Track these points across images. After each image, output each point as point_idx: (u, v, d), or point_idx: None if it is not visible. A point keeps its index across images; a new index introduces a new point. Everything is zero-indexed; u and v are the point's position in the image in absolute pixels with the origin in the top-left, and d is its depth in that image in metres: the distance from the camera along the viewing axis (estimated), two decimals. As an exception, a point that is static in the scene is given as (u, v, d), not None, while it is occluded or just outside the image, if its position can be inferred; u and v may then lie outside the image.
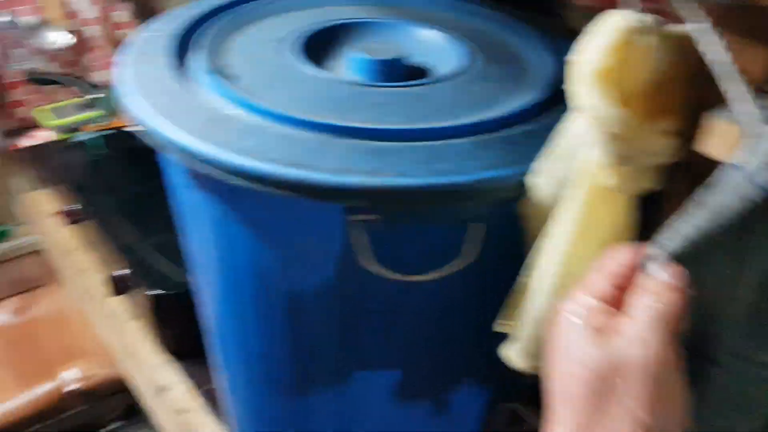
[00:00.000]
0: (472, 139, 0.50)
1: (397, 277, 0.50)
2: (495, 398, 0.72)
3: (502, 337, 0.52)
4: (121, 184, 1.23)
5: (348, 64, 0.60)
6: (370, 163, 0.47)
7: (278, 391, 0.69)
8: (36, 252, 1.70)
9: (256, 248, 0.56)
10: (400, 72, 0.59)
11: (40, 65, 1.51)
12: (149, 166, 1.26)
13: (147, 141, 1.21)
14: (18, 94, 1.53)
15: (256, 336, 0.65)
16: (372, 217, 0.48)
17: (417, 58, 0.62)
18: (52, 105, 1.38)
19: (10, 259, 1.68)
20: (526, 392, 0.74)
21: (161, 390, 1.00)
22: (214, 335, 0.75)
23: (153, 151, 1.31)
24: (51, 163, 1.36)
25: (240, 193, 0.52)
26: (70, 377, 1.56)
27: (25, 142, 1.50)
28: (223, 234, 0.58)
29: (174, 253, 1.04)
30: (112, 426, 1.68)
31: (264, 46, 0.63)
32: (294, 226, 0.52)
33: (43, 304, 1.74)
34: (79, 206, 1.20)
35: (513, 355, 0.49)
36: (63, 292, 1.74)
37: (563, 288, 0.44)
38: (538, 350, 0.47)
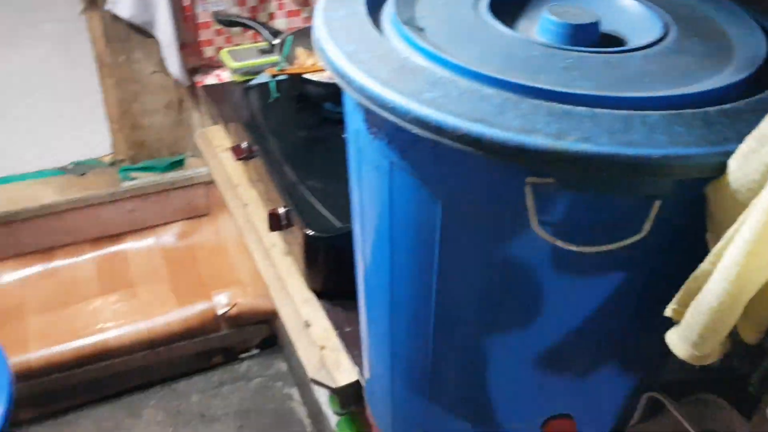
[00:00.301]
0: (664, 113, 0.48)
1: (566, 245, 0.49)
2: (639, 385, 0.70)
3: (663, 322, 0.50)
4: (289, 128, 1.30)
5: (540, 25, 0.59)
6: (554, 126, 0.46)
7: (415, 344, 0.70)
8: (204, 183, 1.84)
9: (423, 201, 0.57)
10: (592, 38, 0.57)
11: (228, 8, 1.61)
12: (316, 115, 1.33)
13: (319, 90, 1.25)
14: (206, 34, 1.64)
15: (404, 287, 0.66)
16: (549, 181, 0.48)
17: (611, 26, 0.60)
18: (235, 47, 1.47)
19: (181, 187, 1.82)
20: (671, 383, 0.72)
21: (304, 325, 1.06)
22: (362, 281, 0.78)
23: (322, 100, 1.37)
24: (228, 102, 1.46)
25: (417, 145, 0.54)
26: (222, 302, 1.69)
27: (208, 80, 1.61)
28: (391, 184, 0.59)
29: (331, 198, 1.09)
30: (250, 353, 1.81)
31: (454, 1, 0.64)
32: (466, 183, 0.53)
33: (205, 232, 1.88)
34: (249, 144, 1.28)
35: (679, 342, 0.47)
36: (224, 223, 1.87)
37: (749, 282, 0.41)
38: (707, 341, 0.45)
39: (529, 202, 0.49)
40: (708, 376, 0.78)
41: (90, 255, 1.79)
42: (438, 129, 0.48)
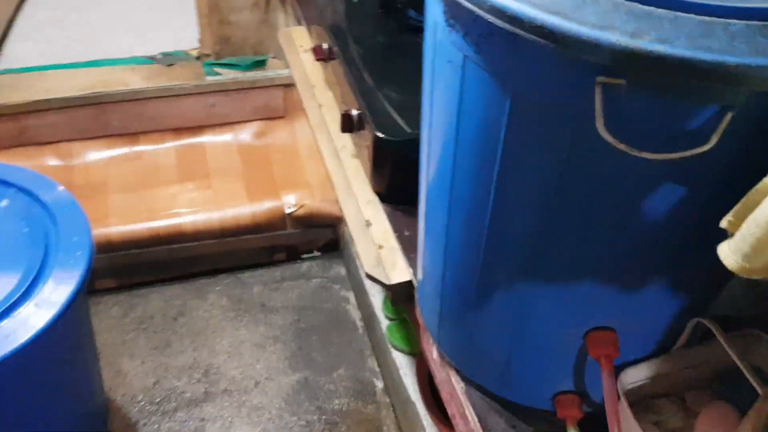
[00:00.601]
0: (749, 22, 0.47)
1: (630, 151, 0.49)
2: (688, 309, 0.70)
3: (720, 240, 0.50)
4: (371, 33, 1.30)
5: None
6: (632, 25, 0.46)
7: (468, 245, 0.72)
8: (283, 85, 1.87)
9: (492, 96, 0.58)
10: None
11: None
12: (399, 22, 1.32)
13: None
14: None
15: (464, 185, 0.68)
16: (620, 82, 0.48)
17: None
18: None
19: (261, 87, 1.86)
20: (719, 317, 0.72)
21: (365, 224, 1.10)
22: (425, 180, 0.79)
23: (405, 7, 1.35)
24: (313, 3, 1.46)
25: (491, 38, 0.54)
26: (290, 202, 1.75)
27: (295, -21, 1.62)
28: (463, 78, 0.60)
29: (404, 105, 1.10)
30: (312, 254, 1.88)
31: None
32: (536, 79, 0.53)
33: (280, 134, 1.93)
34: (329, 46, 1.30)
35: (730, 253, 0.47)
36: (299, 127, 1.92)
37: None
38: (758, 255, 0.45)
39: (598, 102, 0.49)
40: (756, 313, 0.78)
41: (171, 144, 1.87)
42: (514, 19, 0.49)
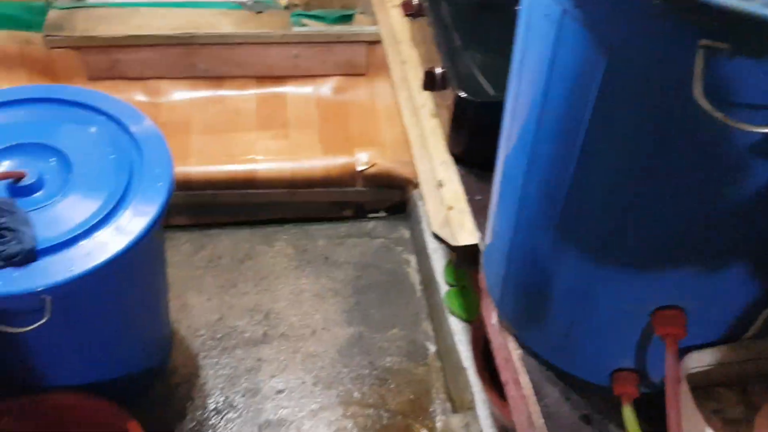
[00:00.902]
0: None
1: (727, 120, 0.47)
2: (763, 299, 0.68)
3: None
4: (462, -8, 1.28)
5: None
6: (745, -14, 0.44)
7: (544, 208, 0.71)
8: (367, 42, 1.87)
9: (588, 52, 0.56)
10: None
11: None
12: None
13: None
14: None
15: (547, 144, 0.66)
16: (723, 46, 0.46)
17: None
18: None
19: (345, 42, 1.87)
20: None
21: (437, 184, 1.10)
22: (506, 137, 0.78)
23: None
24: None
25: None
26: (362, 159, 1.76)
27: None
28: (559, 32, 0.59)
29: (490, 67, 1.08)
30: (378, 214, 1.89)
31: None
32: (636, 38, 0.51)
33: (360, 91, 1.94)
34: (420, 2, 1.29)
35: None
36: (379, 86, 1.92)
37: None
38: None
39: (698, 67, 0.47)
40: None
41: (253, 91, 1.91)
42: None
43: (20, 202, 1.05)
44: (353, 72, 1.94)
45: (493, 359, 0.98)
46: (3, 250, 0.97)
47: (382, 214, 1.90)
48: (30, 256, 0.99)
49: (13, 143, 1.14)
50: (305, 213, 1.84)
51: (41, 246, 1.01)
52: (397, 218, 1.89)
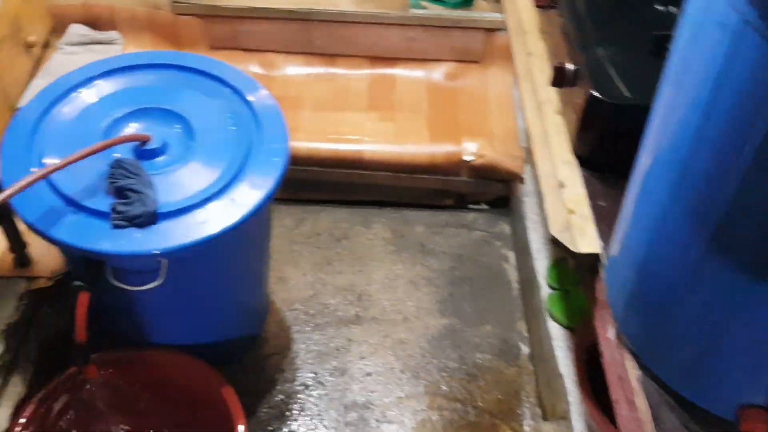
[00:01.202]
0: None
1: None
2: None
3: None
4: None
5: None
6: None
7: (693, 236, 0.66)
8: (486, 30, 1.82)
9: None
10: None
11: None
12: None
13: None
14: None
15: (704, 168, 0.62)
16: None
17: None
18: None
19: (463, 27, 1.83)
20: None
21: (559, 184, 1.05)
22: (650, 149, 0.73)
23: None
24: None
25: None
26: (470, 149, 1.73)
27: None
28: (735, 42, 0.54)
29: (628, 67, 1.02)
30: (480, 207, 1.85)
31: None
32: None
33: (472, 79, 1.90)
34: (553, -7, 1.23)
35: None
36: (494, 75, 1.87)
37: None
38: None
39: None
40: None
41: (365, 71, 1.90)
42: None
43: (144, 165, 1.08)
44: (467, 59, 1.90)
45: (598, 372, 0.93)
46: (128, 211, 1.00)
47: (484, 206, 1.85)
48: (152, 218, 1.01)
49: (141, 107, 1.17)
50: (406, 198, 1.83)
51: (161, 210, 1.03)
52: (498, 212, 1.84)
